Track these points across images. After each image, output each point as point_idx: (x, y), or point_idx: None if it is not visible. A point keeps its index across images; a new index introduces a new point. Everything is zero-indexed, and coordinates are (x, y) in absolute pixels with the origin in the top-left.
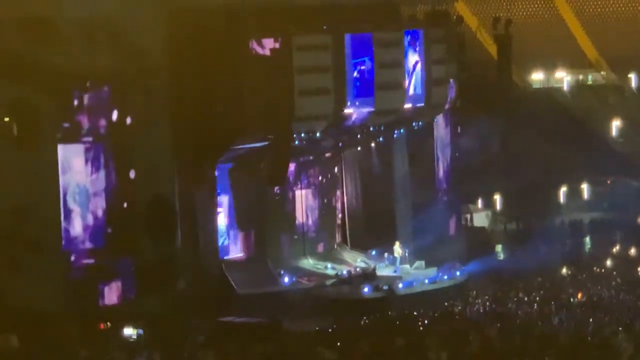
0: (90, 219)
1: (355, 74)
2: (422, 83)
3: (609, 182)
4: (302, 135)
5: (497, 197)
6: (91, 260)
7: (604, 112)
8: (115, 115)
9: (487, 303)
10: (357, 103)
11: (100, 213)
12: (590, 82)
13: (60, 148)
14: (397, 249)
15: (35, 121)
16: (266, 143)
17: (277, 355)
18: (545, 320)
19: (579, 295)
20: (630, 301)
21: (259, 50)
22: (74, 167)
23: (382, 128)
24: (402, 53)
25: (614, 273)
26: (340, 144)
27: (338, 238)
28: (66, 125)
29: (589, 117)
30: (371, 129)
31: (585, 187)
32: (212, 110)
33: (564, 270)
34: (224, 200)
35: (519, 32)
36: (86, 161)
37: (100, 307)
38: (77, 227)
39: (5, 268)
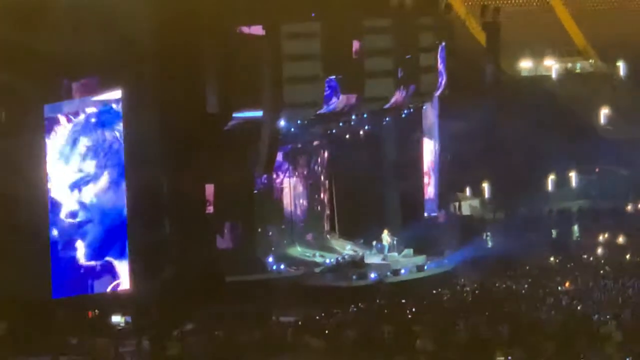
0: (78, 210)
1: None
2: None
3: (597, 170)
4: (291, 122)
5: (486, 185)
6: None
7: (592, 100)
8: (103, 102)
9: (475, 291)
10: None
11: (88, 203)
12: (578, 70)
13: (48, 136)
14: (386, 237)
15: (22, 108)
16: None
17: (265, 343)
18: (533, 309)
19: (567, 284)
20: (618, 289)
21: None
22: (62, 155)
23: (371, 115)
24: (390, 41)
25: (602, 261)
26: (328, 132)
27: (326, 226)
28: (53, 111)
29: (577, 105)
30: (360, 116)
31: (573, 175)
32: (200, 96)
33: (552, 259)
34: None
35: (508, 20)
36: (74, 150)
37: (88, 295)
38: (65, 218)
39: None
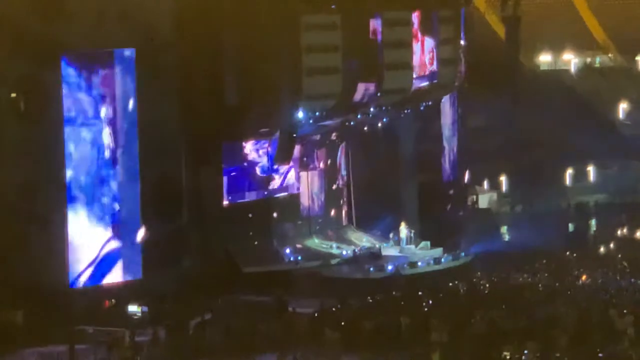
0: (98, 200)
1: None
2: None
3: (615, 165)
4: (309, 114)
5: (503, 179)
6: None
7: (610, 95)
8: (122, 94)
9: (492, 284)
10: None
11: (108, 193)
12: (597, 65)
13: (67, 126)
14: (403, 229)
15: (42, 98)
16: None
17: (282, 334)
18: (549, 302)
19: (584, 277)
20: (634, 283)
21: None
22: (81, 145)
23: (389, 108)
24: (410, 33)
25: (619, 255)
26: (347, 124)
27: (344, 218)
28: (73, 103)
29: (595, 100)
30: (378, 108)
31: (591, 169)
32: (219, 87)
33: (569, 252)
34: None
35: (527, 14)
36: (93, 140)
37: (104, 284)
38: (83, 209)
39: (11, 244)
